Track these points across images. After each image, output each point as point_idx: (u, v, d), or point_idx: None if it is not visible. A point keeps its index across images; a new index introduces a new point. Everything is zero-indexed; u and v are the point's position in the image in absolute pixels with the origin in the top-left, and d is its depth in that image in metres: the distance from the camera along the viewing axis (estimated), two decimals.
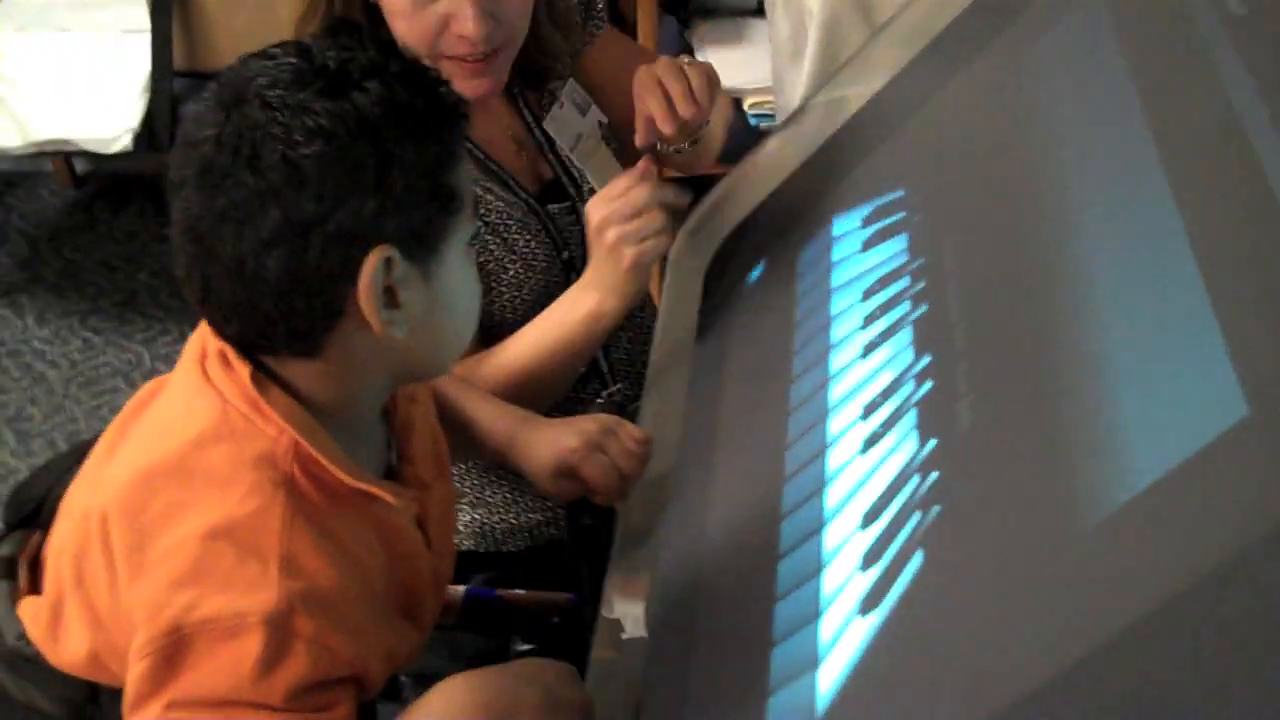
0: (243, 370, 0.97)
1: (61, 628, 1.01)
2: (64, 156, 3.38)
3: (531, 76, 1.60)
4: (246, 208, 0.89)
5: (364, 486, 0.98)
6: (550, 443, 1.20)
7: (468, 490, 1.59)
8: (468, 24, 1.39)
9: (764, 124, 2.48)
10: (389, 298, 0.94)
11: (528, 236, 1.53)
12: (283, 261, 0.90)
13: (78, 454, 1.17)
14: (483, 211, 1.51)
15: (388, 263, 0.92)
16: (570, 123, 1.59)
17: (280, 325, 0.94)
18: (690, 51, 2.77)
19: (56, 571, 1.03)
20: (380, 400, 1.06)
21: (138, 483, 0.96)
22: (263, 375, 0.97)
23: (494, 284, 1.51)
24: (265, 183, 0.89)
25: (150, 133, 2.77)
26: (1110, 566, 0.76)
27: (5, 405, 2.88)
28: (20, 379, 2.95)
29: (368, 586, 0.99)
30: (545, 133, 1.60)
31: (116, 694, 0.98)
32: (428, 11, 1.39)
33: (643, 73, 1.43)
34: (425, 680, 1.04)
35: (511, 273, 1.52)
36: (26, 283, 3.24)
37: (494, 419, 1.29)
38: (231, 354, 0.98)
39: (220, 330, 0.97)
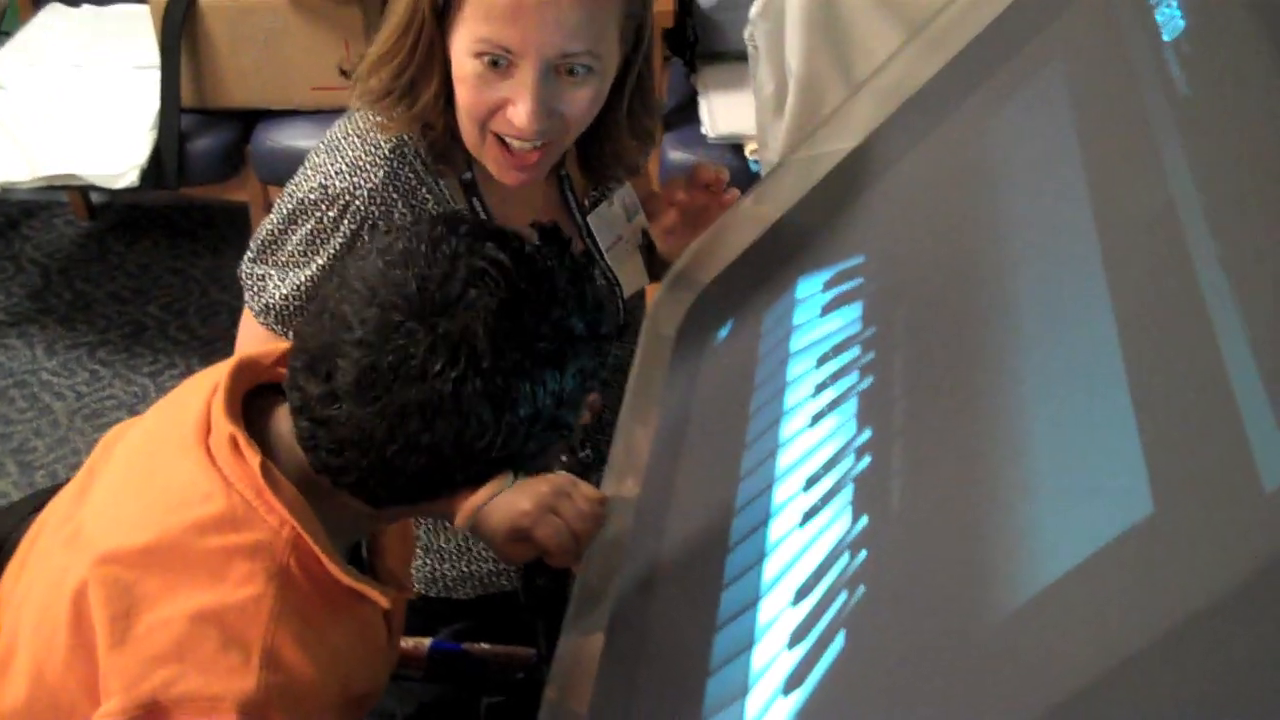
0: (254, 460, 0.98)
1: (5, 676, 1.02)
2: (80, 189, 3.41)
3: (592, 172, 1.61)
4: (426, 411, 0.95)
5: (357, 586, 1.00)
6: (503, 507, 1.20)
7: (420, 535, 1.59)
8: (521, 116, 1.38)
9: (762, 170, 2.48)
10: None
11: None
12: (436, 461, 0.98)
13: (36, 501, 1.19)
14: None
15: None
16: (614, 223, 1.61)
17: (394, 485, 0.99)
18: (694, 94, 2.78)
19: (14, 623, 1.04)
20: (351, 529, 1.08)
21: (132, 557, 0.97)
22: (271, 465, 0.98)
23: None
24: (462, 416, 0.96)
25: (157, 168, 2.79)
26: (1021, 653, 0.76)
27: (9, 437, 2.90)
28: (26, 410, 2.98)
29: (345, 684, 1.00)
30: (586, 222, 1.60)
31: None
32: (492, 89, 1.36)
33: None
34: None
35: None
36: (37, 313, 3.27)
37: None
38: (243, 440, 0.99)
39: (306, 446, 1.00)
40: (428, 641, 1.49)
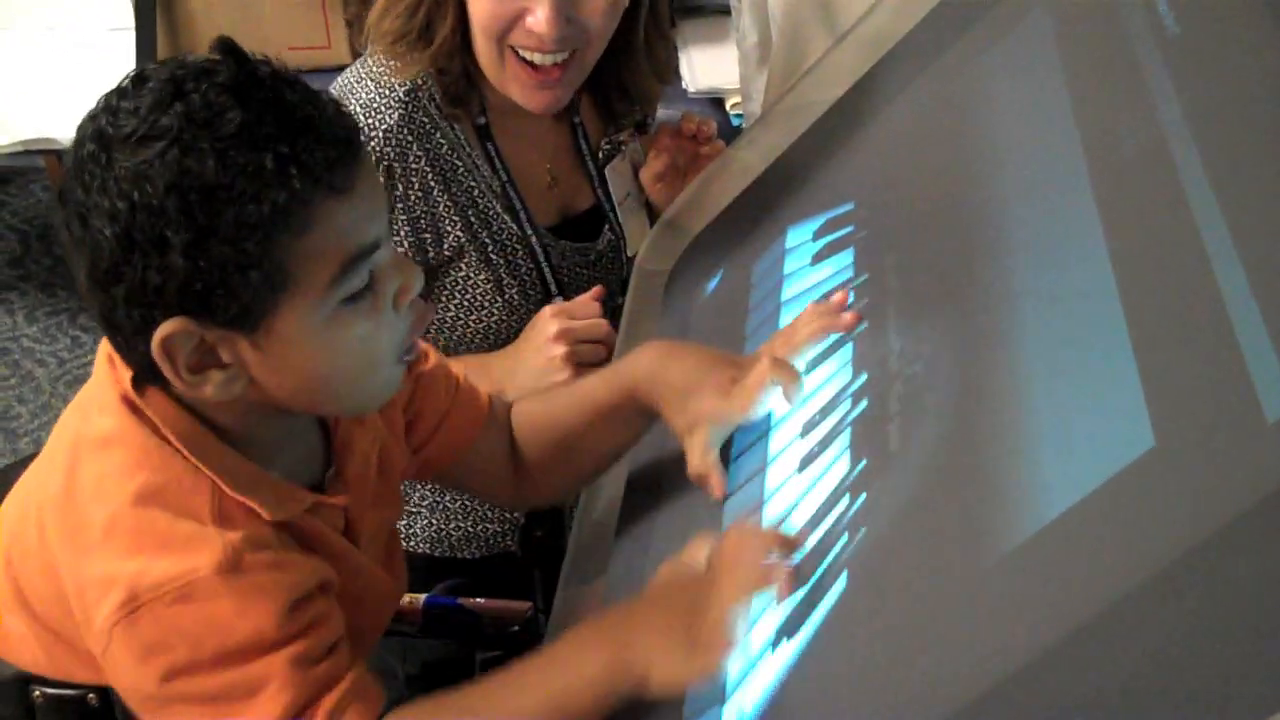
0: (123, 375, 0.96)
1: (6, 632, 1.02)
2: (55, 153, 3.39)
3: (610, 110, 1.61)
4: (70, 250, 0.90)
5: (244, 501, 0.95)
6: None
7: (428, 494, 1.60)
8: (541, 23, 1.38)
9: (744, 124, 2.48)
10: (206, 360, 0.92)
11: (530, 265, 1.54)
12: (99, 305, 0.91)
13: (23, 467, 1.18)
14: (494, 228, 1.52)
15: (187, 333, 0.89)
16: (624, 179, 1.62)
17: (121, 353, 0.95)
18: (674, 50, 2.77)
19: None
20: (282, 422, 1.02)
21: (69, 454, 0.96)
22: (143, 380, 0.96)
23: (487, 304, 1.53)
24: (72, 238, 0.89)
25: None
26: (1024, 591, 0.77)
27: None
28: (9, 377, 2.96)
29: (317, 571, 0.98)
30: (600, 172, 1.61)
31: (51, 710, 1.00)
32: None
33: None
34: None
35: (507, 296, 1.54)
36: (17, 280, 3.25)
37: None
38: (116, 357, 0.97)
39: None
40: (423, 597, 1.49)
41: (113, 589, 0.89)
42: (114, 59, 2.83)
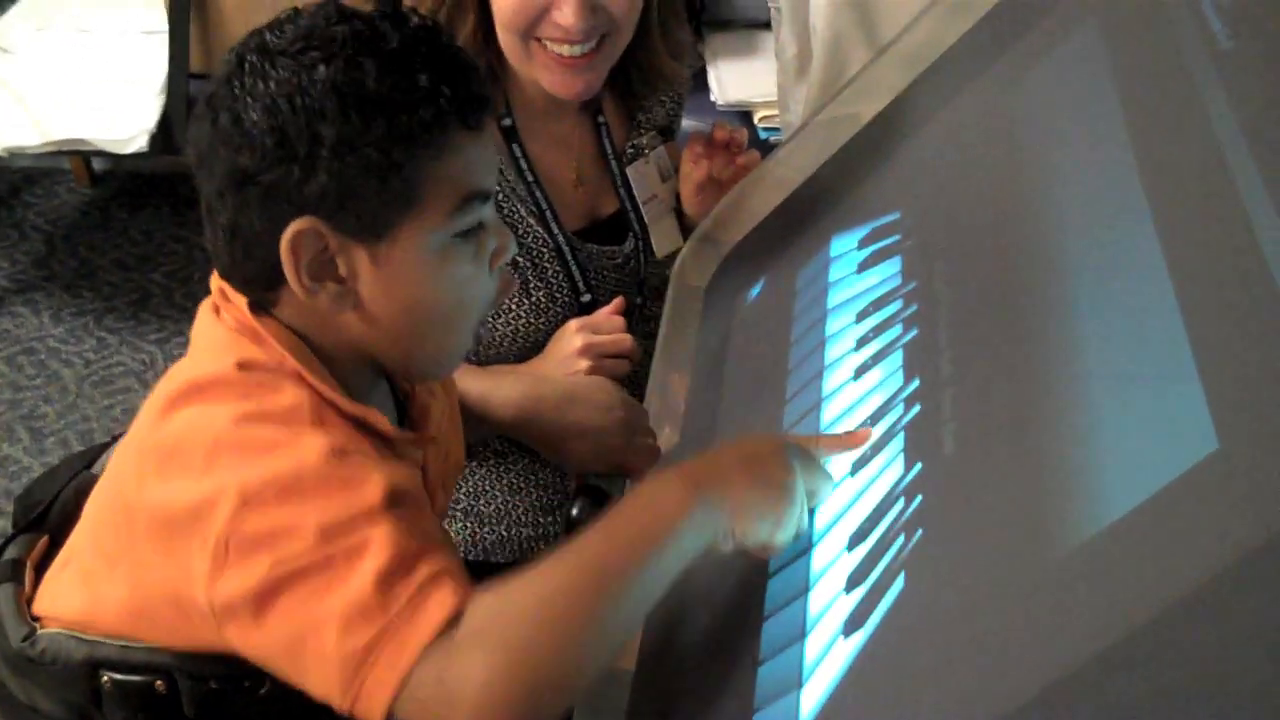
0: (240, 301, 1.00)
1: (97, 597, 1.03)
2: (81, 155, 3.41)
3: (633, 97, 1.62)
4: (209, 154, 0.96)
5: (359, 411, 1.00)
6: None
7: (461, 498, 1.61)
8: (567, 14, 1.39)
9: (773, 137, 2.50)
10: (325, 270, 0.97)
11: (556, 268, 1.56)
12: (230, 210, 0.96)
13: (87, 458, 1.20)
14: (520, 231, 1.54)
15: (316, 234, 0.95)
16: (649, 182, 1.63)
17: (236, 269, 0.99)
18: (702, 63, 2.79)
19: (79, 544, 1.07)
20: (370, 371, 1.07)
21: (161, 413, 0.98)
22: (258, 306, 1.01)
23: (515, 307, 1.54)
24: (218, 135, 0.95)
25: (166, 134, 2.78)
26: (1085, 592, 0.78)
27: (19, 403, 2.91)
28: (35, 377, 2.98)
29: None
30: (624, 172, 1.62)
31: (118, 697, 1.00)
32: None
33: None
34: None
35: (534, 299, 1.55)
36: (42, 280, 3.27)
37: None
38: (228, 289, 1.01)
39: (216, 268, 1.03)
40: None
41: (223, 497, 0.90)
42: (147, 62, 2.86)
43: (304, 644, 0.88)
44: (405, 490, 0.93)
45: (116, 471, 1.04)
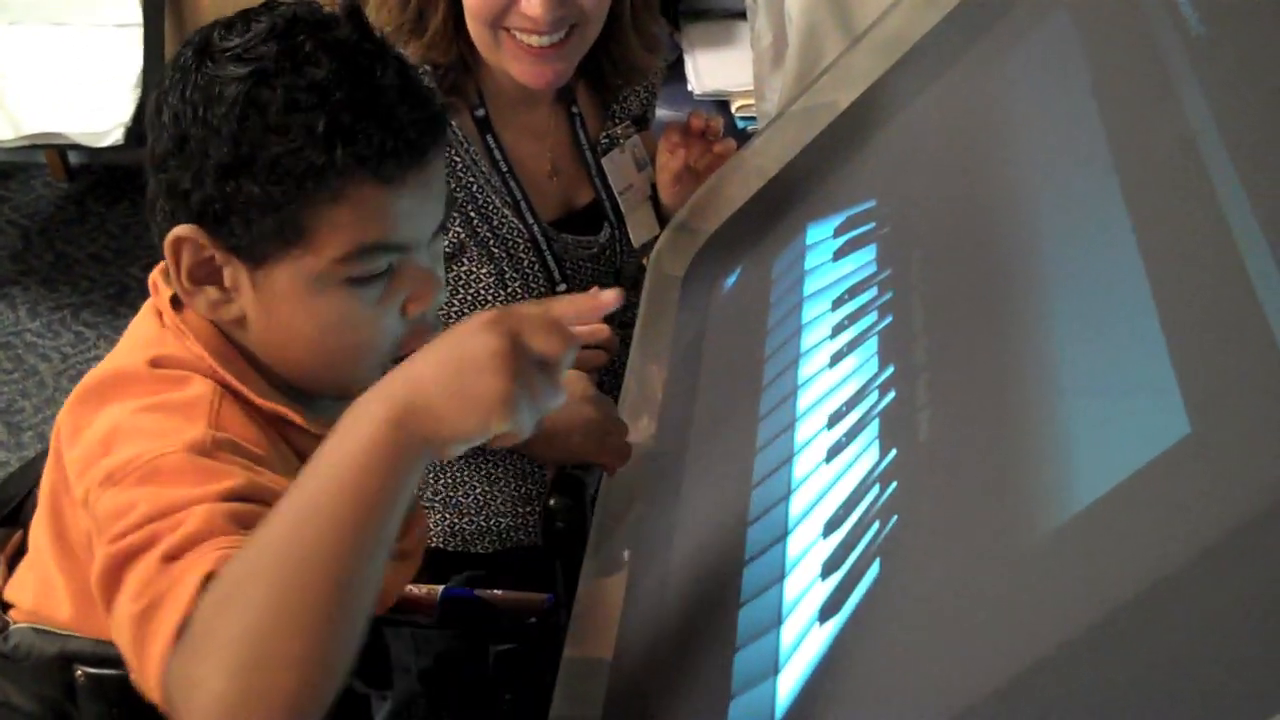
0: (165, 292, 1.01)
1: (47, 589, 1.03)
2: (57, 149, 3.40)
3: (606, 88, 1.62)
4: (149, 129, 0.98)
5: (273, 407, 0.99)
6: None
7: (441, 489, 1.61)
8: (535, 4, 1.39)
9: (750, 127, 2.49)
10: (211, 275, 0.97)
11: (531, 258, 1.56)
12: (151, 188, 0.98)
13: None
14: (495, 223, 1.53)
15: (197, 244, 0.95)
16: (625, 171, 1.63)
17: (159, 247, 0.99)
18: (679, 53, 2.79)
19: (33, 535, 1.07)
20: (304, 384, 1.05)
21: (77, 403, 0.99)
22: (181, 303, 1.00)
23: (490, 299, 1.54)
24: (148, 116, 0.98)
25: (142, 127, 2.77)
26: (1059, 577, 0.78)
27: None
28: (12, 372, 2.97)
29: None
30: (599, 161, 1.62)
31: (93, 690, 1.00)
32: None
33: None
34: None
35: (510, 290, 1.55)
36: (18, 275, 3.25)
37: None
38: (160, 281, 1.02)
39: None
40: (440, 588, 1.50)
41: (99, 476, 0.89)
42: (122, 55, 2.84)
43: (120, 613, 0.83)
44: (263, 496, 0.87)
45: (49, 464, 1.04)
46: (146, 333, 1.02)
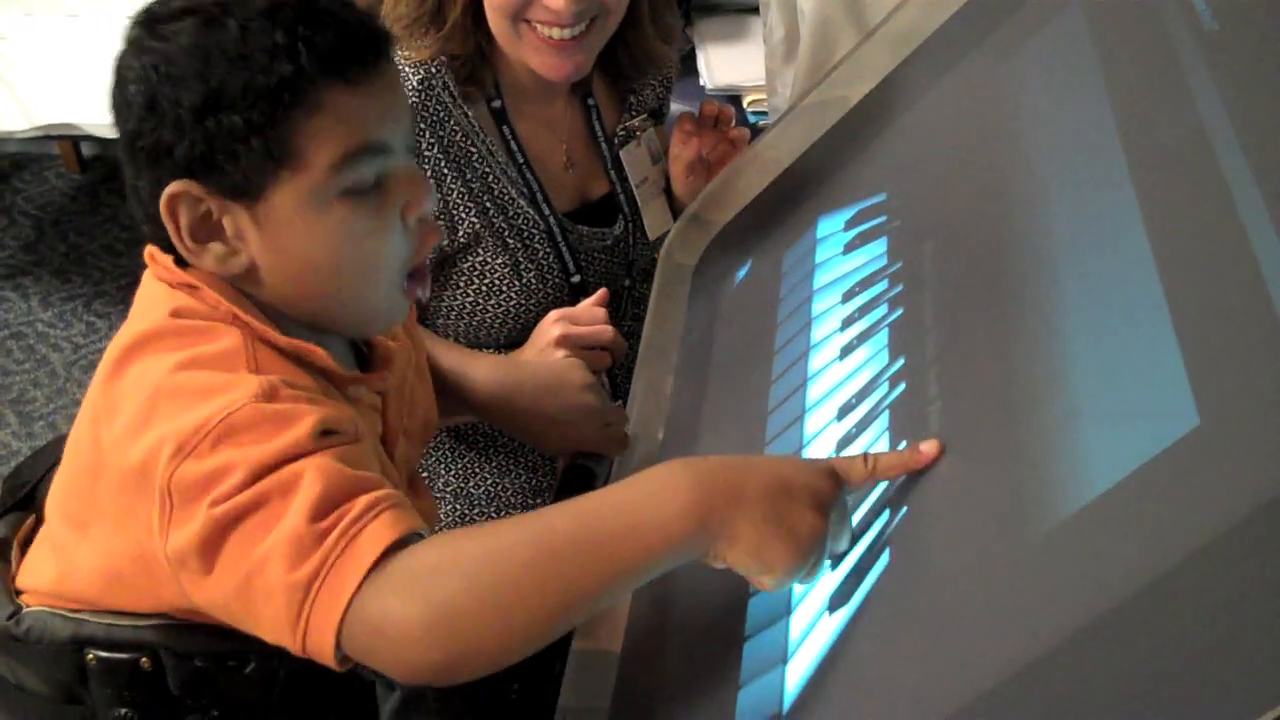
0: (165, 259, 1.01)
1: (69, 565, 1.03)
2: (70, 140, 3.41)
3: (622, 79, 1.62)
4: (117, 116, 0.99)
5: (297, 344, 1.00)
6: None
7: (451, 480, 1.61)
8: None
9: (761, 121, 2.50)
10: (211, 230, 0.98)
11: (546, 249, 1.56)
12: (130, 175, 0.99)
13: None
14: (510, 214, 1.54)
15: (193, 197, 0.96)
16: (640, 164, 1.64)
17: (151, 233, 1.01)
18: (691, 47, 2.79)
19: (51, 515, 1.07)
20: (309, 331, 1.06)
21: (109, 375, 0.98)
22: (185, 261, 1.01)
23: (505, 288, 1.54)
24: (112, 104, 0.98)
25: None
26: (1068, 568, 0.78)
27: (8, 387, 2.91)
28: (24, 361, 2.98)
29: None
30: (615, 153, 1.62)
31: (104, 674, 1.01)
32: None
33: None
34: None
35: (524, 280, 1.55)
36: (31, 265, 3.27)
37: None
38: (155, 250, 1.02)
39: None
40: None
41: (163, 447, 0.89)
42: None
43: (251, 585, 0.86)
44: (339, 425, 0.92)
45: (76, 442, 1.03)
46: (155, 294, 1.02)
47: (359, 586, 0.82)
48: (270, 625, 0.86)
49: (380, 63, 0.99)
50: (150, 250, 1.03)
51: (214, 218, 0.97)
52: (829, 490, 0.88)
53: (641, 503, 0.85)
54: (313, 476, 0.86)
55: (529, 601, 0.82)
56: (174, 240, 0.97)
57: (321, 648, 0.84)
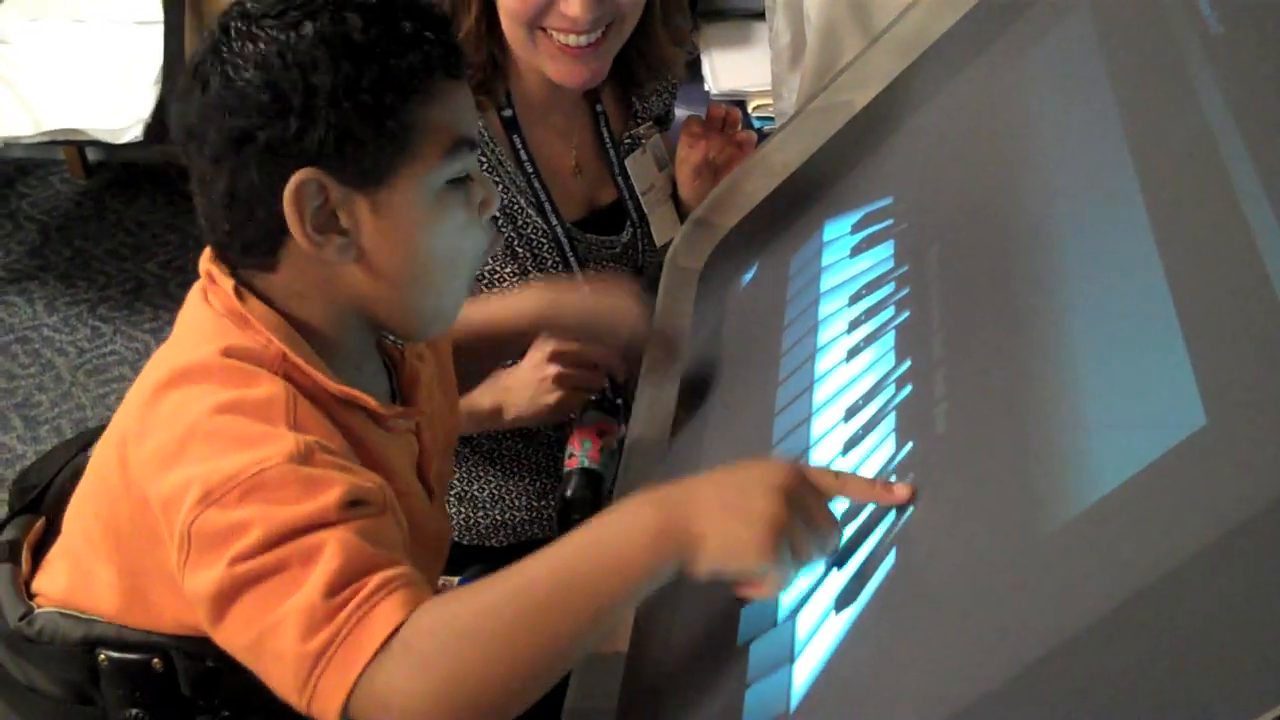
0: (225, 284, 1.01)
1: (88, 582, 1.03)
2: (76, 146, 3.41)
3: (633, 84, 1.62)
4: (200, 124, 0.98)
5: (346, 391, 1.01)
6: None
7: (456, 483, 1.62)
8: (575, 6, 1.40)
9: (766, 127, 2.50)
10: (327, 221, 0.98)
11: (555, 258, 1.56)
12: (228, 175, 0.97)
13: (82, 441, 1.20)
14: (519, 223, 1.54)
15: (319, 185, 0.96)
16: (646, 171, 1.64)
17: (235, 236, 1.00)
18: (696, 53, 2.80)
19: (70, 528, 1.07)
20: (363, 340, 1.08)
21: (147, 400, 0.98)
22: (244, 289, 1.01)
23: None
24: (210, 101, 0.97)
25: (161, 124, 2.79)
26: (1074, 568, 0.79)
27: (13, 391, 2.91)
28: (29, 366, 2.98)
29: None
30: (622, 162, 1.62)
31: (115, 675, 1.01)
32: None
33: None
34: None
35: None
36: (37, 270, 3.27)
37: None
38: (216, 271, 1.02)
39: (209, 243, 1.04)
40: (456, 580, 1.52)
41: (190, 489, 0.90)
42: (142, 51, 2.86)
43: (263, 644, 0.88)
44: (367, 495, 0.93)
45: (103, 459, 1.04)
46: (203, 321, 1.02)
47: (366, 665, 0.85)
48: (278, 683, 0.89)
49: (462, 60, 1.03)
50: (209, 270, 1.03)
51: (330, 207, 0.98)
52: (784, 478, 0.91)
53: (611, 538, 0.91)
54: (334, 550, 0.88)
55: (525, 654, 0.87)
56: (295, 231, 0.97)
57: (326, 715, 0.86)
